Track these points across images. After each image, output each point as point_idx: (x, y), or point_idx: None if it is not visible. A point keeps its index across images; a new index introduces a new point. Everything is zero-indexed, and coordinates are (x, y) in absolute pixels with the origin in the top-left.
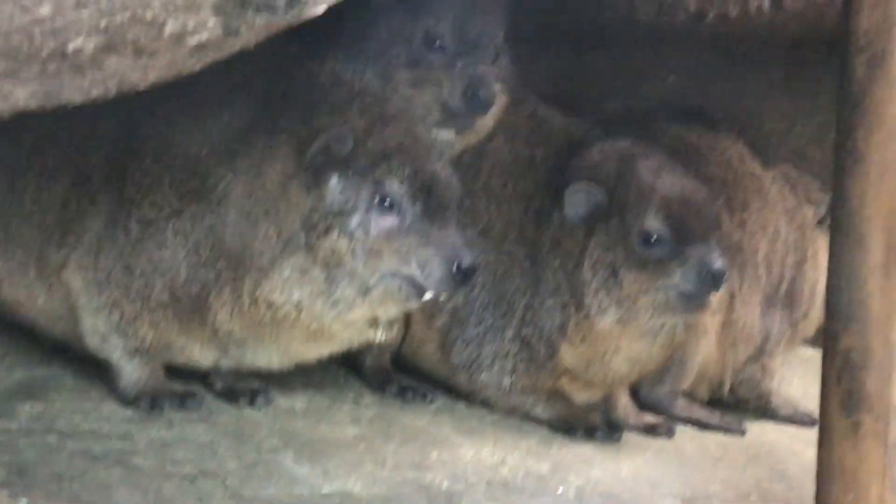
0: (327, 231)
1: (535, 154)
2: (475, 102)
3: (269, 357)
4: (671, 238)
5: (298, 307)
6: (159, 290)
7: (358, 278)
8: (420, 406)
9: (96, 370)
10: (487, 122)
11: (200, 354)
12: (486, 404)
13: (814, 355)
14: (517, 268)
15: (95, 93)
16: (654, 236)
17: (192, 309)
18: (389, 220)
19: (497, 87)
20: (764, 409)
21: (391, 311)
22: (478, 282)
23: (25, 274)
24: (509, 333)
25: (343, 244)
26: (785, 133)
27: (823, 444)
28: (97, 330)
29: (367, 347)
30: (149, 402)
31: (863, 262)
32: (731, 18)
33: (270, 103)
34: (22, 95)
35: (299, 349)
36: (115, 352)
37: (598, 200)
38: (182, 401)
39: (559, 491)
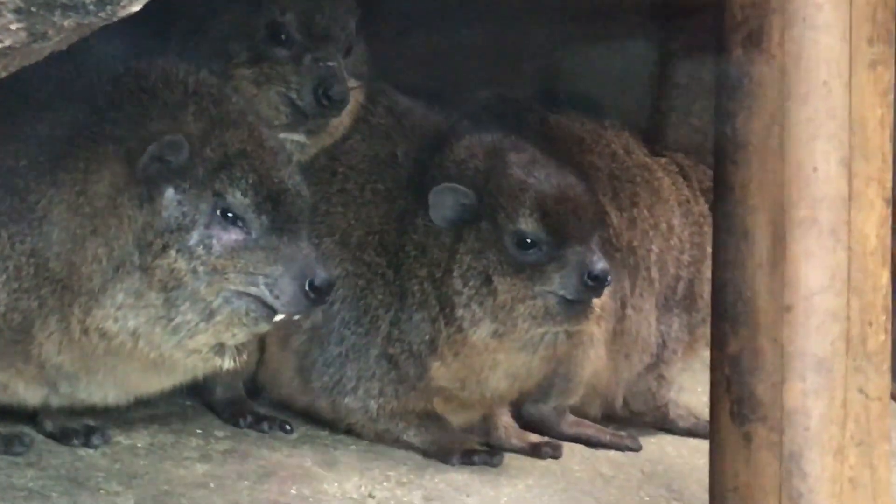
0: (164, 249)
1: (395, 152)
2: (327, 101)
3: (104, 392)
4: (548, 240)
5: (135, 335)
6: None
7: (200, 301)
8: (278, 438)
9: None
10: (342, 121)
11: (26, 392)
12: (351, 432)
13: None
14: (380, 279)
15: None
16: (529, 238)
17: (14, 342)
18: (233, 235)
19: (351, 82)
20: (662, 422)
21: (239, 335)
22: (337, 296)
23: None
24: (374, 352)
25: (182, 264)
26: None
27: (715, 456)
28: None
29: (216, 375)
30: None
31: (748, 257)
32: None
33: (94, 109)
34: None
35: (138, 382)
36: None
37: (466, 202)
38: (6, 444)
39: None
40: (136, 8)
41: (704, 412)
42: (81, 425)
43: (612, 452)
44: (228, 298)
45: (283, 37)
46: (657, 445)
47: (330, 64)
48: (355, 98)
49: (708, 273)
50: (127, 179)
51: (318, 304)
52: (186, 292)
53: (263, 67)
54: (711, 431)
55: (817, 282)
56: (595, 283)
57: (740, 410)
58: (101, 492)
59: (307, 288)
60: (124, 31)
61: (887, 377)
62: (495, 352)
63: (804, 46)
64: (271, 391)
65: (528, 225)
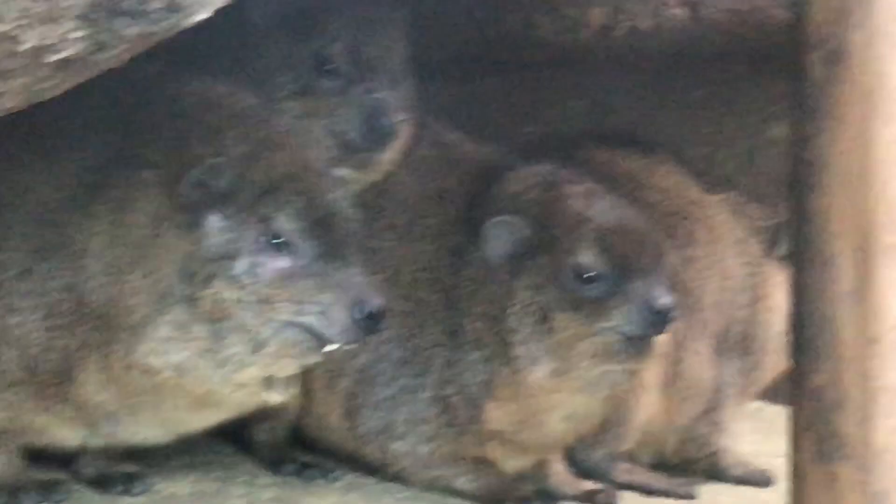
0: (209, 279)
1: (444, 186)
2: (376, 134)
3: (146, 431)
4: (609, 274)
5: (180, 370)
6: (11, 364)
7: (249, 332)
8: (324, 485)
9: None
10: (391, 156)
11: (65, 435)
12: (399, 478)
13: (761, 408)
14: (432, 318)
15: None
16: (590, 272)
17: (53, 384)
18: (281, 262)
19: (400, 115)
20: (714, 470)
21: (288, 367)
22: (387, 336)
23: None
24: (426, 395)
25: (229, 293)
26: (708, 159)
27: (797, 498)
28: None
29: (259, 420)
30: (5, 496)
31: (832, 288)
32: (642, 32)
33: (129, 134)
34: None
35: (183, 419)
36: None
37: (522, 235)
38: (45, 492)
39: None
40: (204, 16)
41: (752, 460)
42: (122, 472)
43: (667, 500)
44: (277, 329)
45: (330, 68)
46: (710, 494)
47: (379, 96)
48: (403, 132)
49: (762, 316)
50: (167, 207)
51: (372, 332)
52: (233, 323)
53: (310, 100)
54: (793, 471)
55: None
56: (660, 319)
57: (824, 449)
58: None
59: (359, 316)
60: (162, 61)
61: None
62: (553, 392)
63: (887, 64)
64: (316, 436)
65: (588, 258)
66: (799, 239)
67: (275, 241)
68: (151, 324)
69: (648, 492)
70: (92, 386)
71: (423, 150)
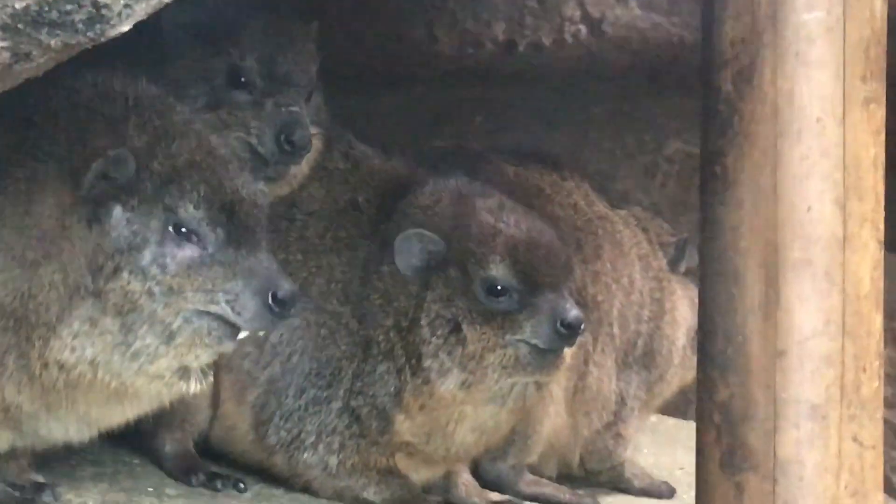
0: (116, 272)
1: (356, 198)
2: (289, 147)
3: (66, 428)
4: (519, 287)
5: (94, 365)
6: None
7: (158, 323)
8: (233, 495)
9: None
10: (302, 168)
11: None
12: (308, 489)
13: (659, 421)
14: (343, 329)
15: None
16: (500, 286)
17: None
18: (188, 252)
19: (312, 128)
20: (617, 482)
21: (202, 356)
22: (296, 348)
23: None
24: (335, 405)
25: (136, 286)
26: (608, 175)
27: None
28: None
29: (167, 430)
30: None
31: (739, 301)
32: (545, 48)
33: (28, 127)
34: None
35: (102, 414)
36: None
37: (433, 248)
38: None
39: None
40: (125, 28)
41: (653, 472)
42: (30, 482)
43: None
44: (188, 319)
45: (243, 81)
46: None
47: (293, 109)
48: (314, 145)
49: (666, 330)
50: (72, 200)
51: (283, 317)
52: (143, 315)
53: (223, 112)
54: (700, 483)
55: (811, 326)
56: (569, 332)
57: (731, 460)
58: None
59: (270, 302)
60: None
61: (880, 425)
62: (463, 404)
63: (797, 83)
64: (224, 447)
65: (498, 271)
66: (708, 253)
67: (181, 230)
68: (65, 319)
69: (553, 503)
70: (12, 387)
71: (334, 163)
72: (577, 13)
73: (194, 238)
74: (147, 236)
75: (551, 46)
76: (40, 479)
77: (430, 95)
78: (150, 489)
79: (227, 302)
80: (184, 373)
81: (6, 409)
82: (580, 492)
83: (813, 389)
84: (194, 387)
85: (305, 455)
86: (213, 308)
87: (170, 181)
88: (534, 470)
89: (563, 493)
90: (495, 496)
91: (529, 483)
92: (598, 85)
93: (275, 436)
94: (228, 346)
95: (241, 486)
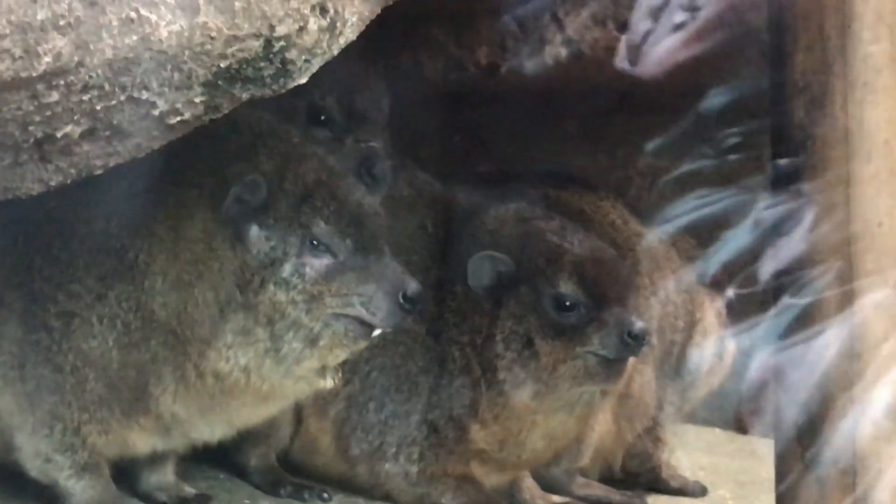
0: (262, 285)
1: (424, 224)
2: (370, 180)
3: (213, 429)
4: (586, 302)
5: (246, 371)
6: (96, 385)
7: (303, 328)
8: None
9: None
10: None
11: (139, 443)
12: (389, 498)
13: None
14: (420, 346)
15: (53, 183)
16: (569, 301)
17: (134, 399)
18: (324, 262)
19: (388, 161)
20: (654, 482)
21: (341, 355)
22: (375, 364)
23: None
24: (415, 418)
25: (281, 296)
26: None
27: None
28: (38, 452)
29: (253, 445)
30: None
31: (816, 311)
32: (526, 70)
33: (170, 158)
34: None
35: (247, 415)
36: (61, 473)
37: (504, 269)
38: None
39: None
40: (304, 80)
41: (687, 472)
42: (194, 495)
43: None
44: (328, 322)
45: (323, 119)
46: None
47: (372, 144)
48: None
49: (697, 339)
50: (216, 223)
51: (413, 313)
52: (289, 322)
53: None
54: (780, 478)
55: (883, 331)
56: (635, 342)
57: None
58: None
59: (401, 300)
60: None
61: None
62: (534, 413)
63: (866, 109)
64: (305, 461)
65: (567, 288)
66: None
67: (315, 243)
68: (219, 332)
69: None
70: (168, 397)
71: (399, 191)
72: (558, 37)
73: (327, 249)
74: (287, 251)
75: (533, 68)
76: (193, 491)
77: (412, 118)
78: (247, 501)
79: (362, 304)
80: (322, 371)
81: (159, 416)
82: (629, 493)
83: (889, 391)
84: (330, 383)
85: (387, 465)
86: (349, 311)
87: (301, 200)
88: (580, 473)
89: (613, 494)
90: (557, 499)
91: (581, 486)
92: (573, 103)
93: (357, 448)
94: (362, 344)
95: (326, 496)
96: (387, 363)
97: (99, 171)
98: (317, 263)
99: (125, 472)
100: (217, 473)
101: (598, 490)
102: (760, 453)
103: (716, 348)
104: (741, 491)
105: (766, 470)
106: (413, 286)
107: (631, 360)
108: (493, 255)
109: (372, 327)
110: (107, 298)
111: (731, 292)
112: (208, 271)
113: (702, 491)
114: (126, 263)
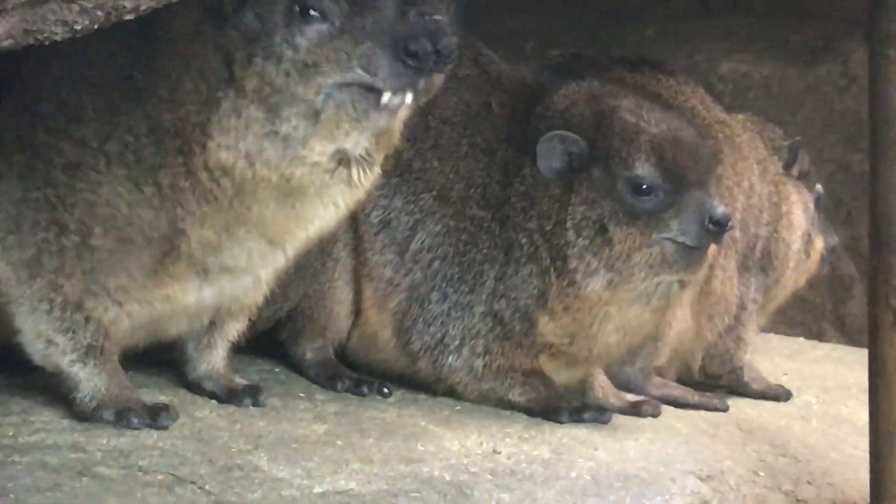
0: (249, 59)
1: (489, 103)
2: (436, 56)
3: (248, 253)
4: (665, 185)
5: (249, 158)
6: (104, 241)
7: (301, 102)
8: (380, 400)
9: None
10: (441, 77)
11: (183, 293)
12: (453, 393)
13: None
14: (484, 233)
15: (79, 27)
16: (646, 184)
17: (166, 251)
18: (315, 27)
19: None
20: (736, 385)
21: (353, 133)
22: (438, 253)
23: None
24: (479, 309)
25: (271, 68)
26: None
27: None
28: (39, 333)
29: (309, 339)
30: (112, 413)
31: None
32: None
33: None
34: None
35: (279, 226)
36: (64, 357)
37: (575, 150)
38: (152, 416)
39: (573, 475)
40: None
41: (770, 378)
42: (244, 385)
43: (703, 412)
44: (329, 94)
45: None
46: (737, 407)
47: (437, 18)
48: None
49: (783, 233)
50: (203, 6)
51: (425, 70)
52: (285, 97)
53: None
54: (872, 371)
55: None
56: (717, 228)
57: None
58: (233, 450)
59: (403, 55)
60: None
61: None
62: (607, 304)
63: None
64: (364, 356)
65: (644, 170)
66: (880, 140)
67: (306, 11)
68: (213, 118)
69: (682, 405)
70: (193, 220)
71: (464, 70)
72: None
73: (319, 15)
74: (274, 20)
75: None
76: (244, 382)
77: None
78: (302, 394)
79: (362, 67)
80: (343, 158)
81: (190, 255)
82: (707, 394)
83: None
84: (357, 174)
85: (450, 359)
86: (349, 76)
87: None
88: (656, 373)
89: (691, 394)
90: (632, 397)
91: (658, 385)
92: (648, 7)
93: (418, 341)
94: (375, 120)
95: (386, 391)
96: (449, 251)
97: (129, 17)
98: (308, 30)
99: (173, 364)
100: (272, 366)
101: (676, 391)
102: (848, 360)
103: (802, 244)
104: (826, 396)
105: (853, 376)
106: (420, 37)
107: (712, 249)
108: (564, 135)
109: (379, 93)
110: (116, 132)
111: (820, 186)
112: (195, 56)
113: (786, 395)
114: (133, 86)
